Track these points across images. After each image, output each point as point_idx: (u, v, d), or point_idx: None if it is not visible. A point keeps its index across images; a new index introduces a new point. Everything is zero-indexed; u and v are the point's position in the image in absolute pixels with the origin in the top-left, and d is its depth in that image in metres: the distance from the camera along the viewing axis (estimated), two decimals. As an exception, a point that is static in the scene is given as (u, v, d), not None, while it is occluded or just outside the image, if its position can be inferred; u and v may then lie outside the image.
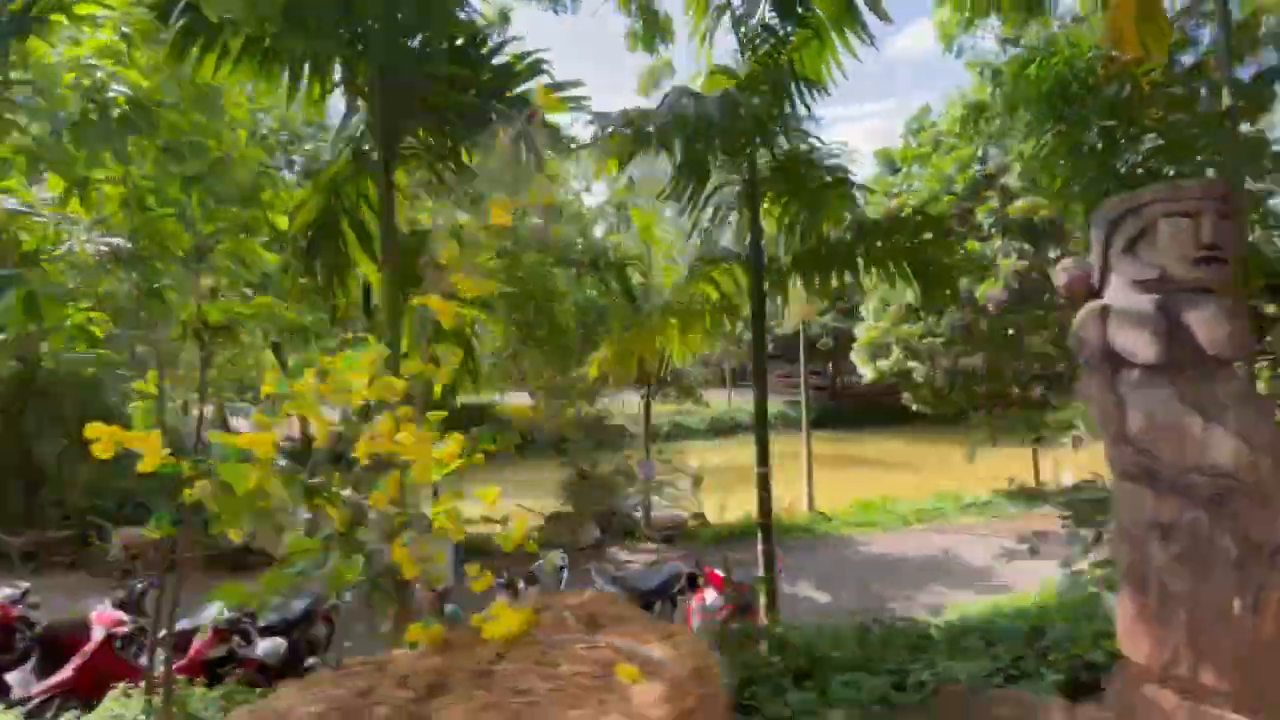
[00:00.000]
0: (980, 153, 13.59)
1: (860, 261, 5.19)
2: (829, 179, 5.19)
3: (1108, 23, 6.69)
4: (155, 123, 4.11)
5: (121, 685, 5.26)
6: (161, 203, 5.45)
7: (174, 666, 6.06)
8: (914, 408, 19.84)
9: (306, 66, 4.89)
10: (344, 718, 1.53)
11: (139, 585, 7.17)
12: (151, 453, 2.12)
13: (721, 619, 6.37)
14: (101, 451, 2.03)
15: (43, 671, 6.40)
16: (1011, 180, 12.49)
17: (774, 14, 4.83)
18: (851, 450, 23.59)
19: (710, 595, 6.51)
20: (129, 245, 4.81)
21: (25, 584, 7.29)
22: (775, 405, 30.20)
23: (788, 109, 4.96)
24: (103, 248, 4.79)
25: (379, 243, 5.61)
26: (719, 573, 6.63)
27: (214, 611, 6.19)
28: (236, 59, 4.82)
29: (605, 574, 7.27)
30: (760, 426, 5.66)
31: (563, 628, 1.84)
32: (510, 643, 1.80)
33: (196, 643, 6.11)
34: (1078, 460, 16.36)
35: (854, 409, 31.57)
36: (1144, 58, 6.91)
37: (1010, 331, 13.39)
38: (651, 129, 5.15)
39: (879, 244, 5.07)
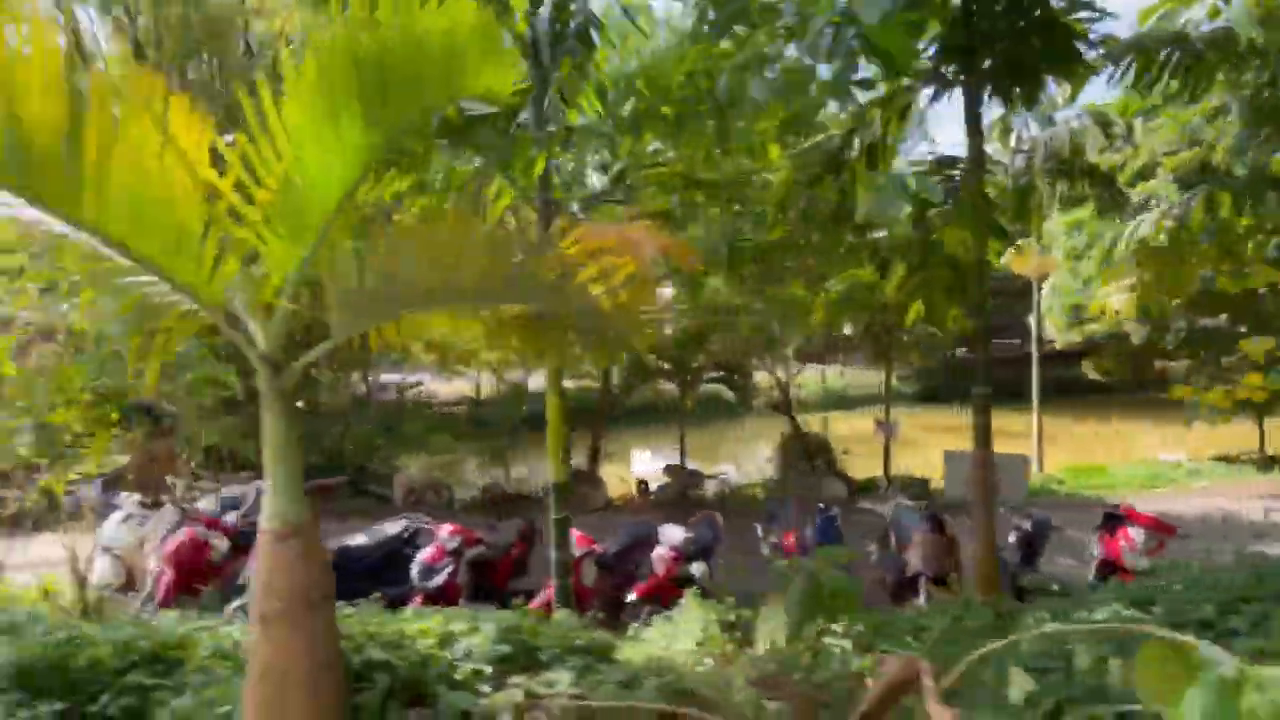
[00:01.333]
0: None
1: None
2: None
3: None
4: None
5: None
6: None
7: (643, 586, 6.32)
8: (1091, 377, 19.54)
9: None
10: None
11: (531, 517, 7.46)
12: None
13: (1153, 554, 6.47)
14: None
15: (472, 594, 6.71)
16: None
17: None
18: (1000, 424, 23.20)
19: (1135, 532, 6.57)
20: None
21: None
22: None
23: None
24: None
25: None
26: (1142, 512, 6.74)
27: (679, 534, 6.42)
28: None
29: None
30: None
31: None
32: None
33: (659, 565, 6.34)
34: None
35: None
36: None
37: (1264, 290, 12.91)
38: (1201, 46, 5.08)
39: None
